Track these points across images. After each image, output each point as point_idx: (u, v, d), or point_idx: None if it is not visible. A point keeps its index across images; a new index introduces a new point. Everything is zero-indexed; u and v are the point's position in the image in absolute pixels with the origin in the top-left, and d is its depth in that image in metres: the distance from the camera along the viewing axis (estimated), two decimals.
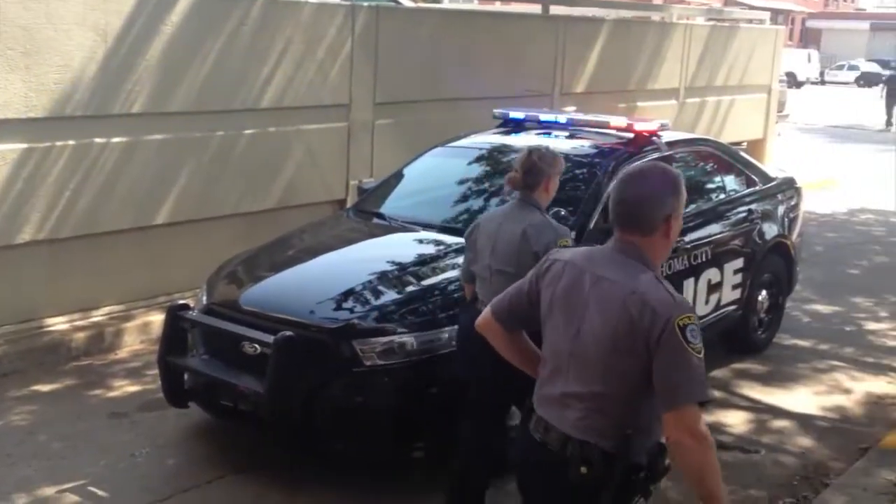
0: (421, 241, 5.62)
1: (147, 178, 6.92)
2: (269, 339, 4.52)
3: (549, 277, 2.77)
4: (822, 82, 50.69)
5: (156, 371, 5.16)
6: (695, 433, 2.48)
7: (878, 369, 6.72)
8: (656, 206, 2.64)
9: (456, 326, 4.53)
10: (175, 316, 4.98)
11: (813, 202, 11.49)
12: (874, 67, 51.62)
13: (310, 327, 4.67)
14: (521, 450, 2.85)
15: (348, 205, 7.60)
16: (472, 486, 4.36)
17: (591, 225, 5.48)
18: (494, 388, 4.09)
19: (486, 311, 2.96)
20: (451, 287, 4.95)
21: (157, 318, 6.42)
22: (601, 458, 2.58)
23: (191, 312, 5.07)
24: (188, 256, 7.15)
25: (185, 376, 5.04)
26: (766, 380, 6.30)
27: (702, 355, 2.50)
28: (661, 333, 2.48)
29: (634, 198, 2.65)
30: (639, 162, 2.97)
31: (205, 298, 5.25)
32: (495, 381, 3.91)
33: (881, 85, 29.38)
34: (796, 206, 7.45)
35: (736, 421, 5.69)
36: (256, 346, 4.69)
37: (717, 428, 5.57)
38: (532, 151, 4.33)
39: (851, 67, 52.90)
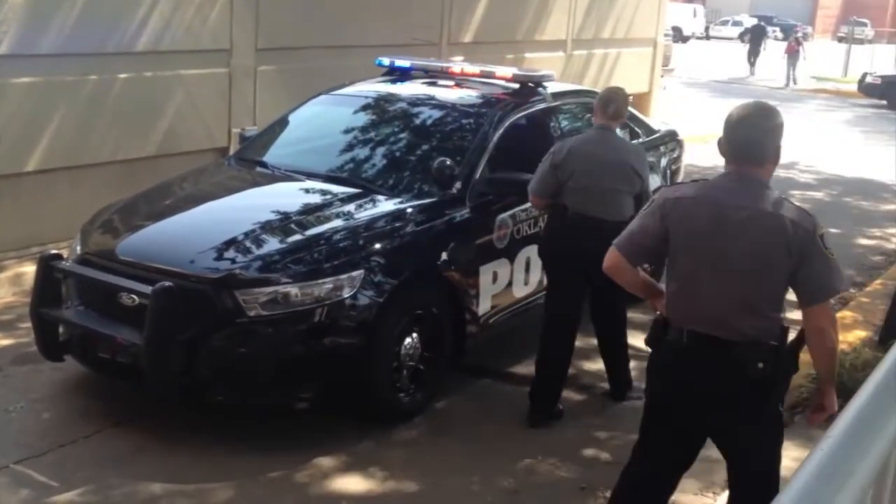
0: (306, 191, 5.54)
1: (16, 123, 6.64)
2: (147, 289, 4.40)
3: (679, 215, 3.19)
4: (707, 37, 51.76)
5: (29, 324, 5.00)
6: (833, 320, 3.12)
7: None
8: (772, 140, 3.15)
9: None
10: (48, 266, 4.82)
11: (695, 155, 11.75)
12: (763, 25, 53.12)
13: (190, 277, 4.58)
14: (669, 364, 3.27)
15: (231, 153, 7.44)
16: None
17: (477, 175, 5.48)
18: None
19: (614, 252, 3.35)
20: (337, 237, 4.91)
21: (30, 270, 6.17)
22: (772, 352, 3.11)
23: (64, 263, 4.91)
24: (62, 205, 6.92)
25: (60, 329, 4.90)
26: None
27: (835, 255, 3.09)
28: (809, 244, 3.03)
29: (755, 135, 3.14)
30: (748, 103, 3.32)
31: (79, 248, 5.08)
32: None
33: (747, 34, 31.59)
34: (678, 158, 7.62)
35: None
36: (134, 296, 4.57)
37: (599, 375, 5.69)
38: (620, 89, 5.28)
39: (735, 23, 54.12)
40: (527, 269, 5.71)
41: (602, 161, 4.94)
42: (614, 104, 5.07)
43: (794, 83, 27.04)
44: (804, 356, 3.23)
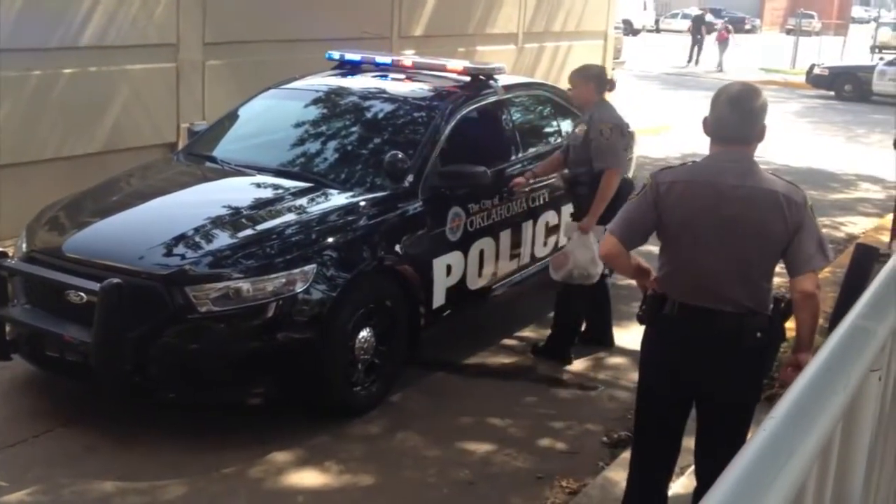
0: (257, 185, 5.49)
1: None
2: (96, 286, 4.34)
3: (674, 198, 3.26)
4: (658, 30, 52.06)
5: None
6: (819, 286, 3.24)
7: None
8: (759, 120, 3.25)
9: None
10: None
11: (647, 147, 11.88)
12: (707, 16, 53.53)
13: (139, 274, 4.52)
14: (668, 336, 3.37)
15: (179, 148, 7.36)
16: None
17: (429, 168, 5.47)
18: None
19: (611, 239, 3.38)
20: (289, 231, 4.87)
21: None
22: (768, 322, 3.28)
23: (10, 261, 4.83)
24: (6, 202, 6.81)
25: (7, 327, 4.80)
26: None
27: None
28: (802, 215, 3.19)
29: (745, 116, 3.23)
30: (731, 84, 3.43)
31: (24, 246, 5.00)
32: None
33: (689, 24, 34.21)
34: (629, 150, 7.64)
35: (575, 360, 5.83)
36: (82, 294, 4.51)
37: (555, 366, 5.73)
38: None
39: (685, 16, 54.50)
40: (481, 262, 5.72)
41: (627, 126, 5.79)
42: (609, 77, 5.82)
43: (721, 69, 28.47)
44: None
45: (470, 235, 5.60)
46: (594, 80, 5.66)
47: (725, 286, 3.24)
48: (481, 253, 5.70)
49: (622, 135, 5.57)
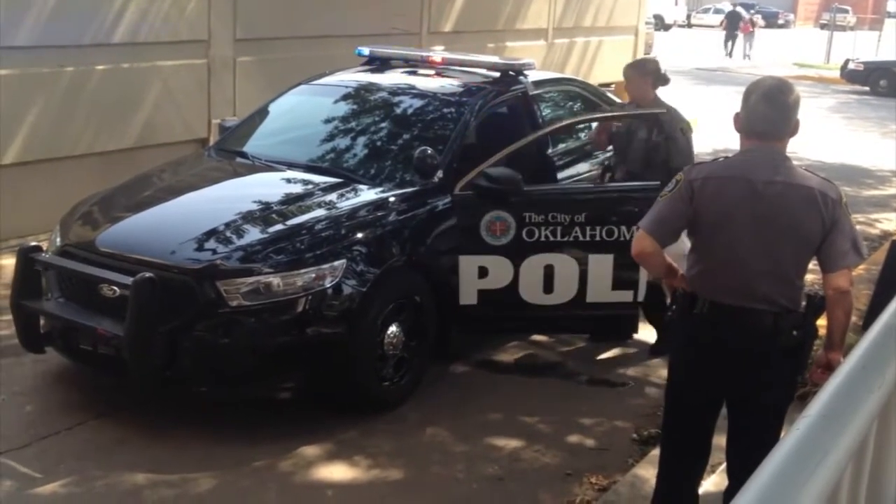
0: (287, 181, 5.51)
1: None
2: (128, 280, 4.38)
3: (709, 194, 3.22)
4: (689, 25, 51.71)
5: (9, 316, 4.94)
6: (852, 282, 3.22)
7: None
8: (793, 115, 3.22)
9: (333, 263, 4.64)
10: (27, 258, 4.78)
11: None
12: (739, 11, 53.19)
13: (171, 268, 4.55)
14: (700, 335, 3.32)
15: (210, 144, 7.41)
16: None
17: (458, 164, 5.45)
18: None
19: (644, 236, 3.32)
20: (318, 226, 4.88)
21: (9, 262, 6.12)
22: (802, 319, 3.24)
23: (44, 255, 4.88)
24: (40, 197, 6.88)
25: (41, 320, 4.86)
26: None
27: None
28: (838, 212, 3.15)
29: (778, 111, 3.20)
30: (765, 79, 3.39)
31: (58, 240, 5.05)
32: None
33: (723, 20, 34.96)
34: None
35: (605, 356, 5.84)
36: (115, 288, 4.55)
37: (584, 362, 5.71)
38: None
39: (717, 11, 54.13)
40: (548, 277, 5.30)
41: None
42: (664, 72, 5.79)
43: (749, 58, 29.90)
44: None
45: (528, 245, 5.25)
46: (651, 74, 5.64)
47: (759, 284, 3.19)
48: (549, 269, 5.30)
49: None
